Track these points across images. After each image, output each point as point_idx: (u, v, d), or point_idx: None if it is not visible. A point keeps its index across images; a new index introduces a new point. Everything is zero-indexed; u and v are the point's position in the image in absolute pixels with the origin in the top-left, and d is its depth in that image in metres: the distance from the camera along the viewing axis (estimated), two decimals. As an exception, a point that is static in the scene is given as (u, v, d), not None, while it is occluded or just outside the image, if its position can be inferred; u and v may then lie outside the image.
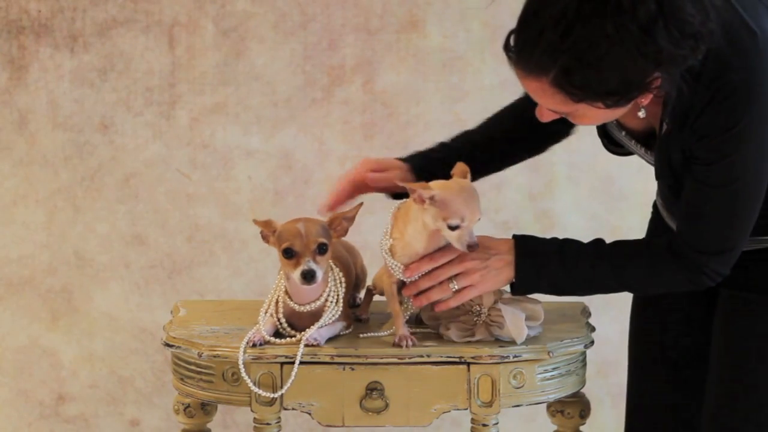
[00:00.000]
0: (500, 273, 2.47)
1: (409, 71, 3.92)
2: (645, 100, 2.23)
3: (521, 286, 2.48)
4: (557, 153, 3.88)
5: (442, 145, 2.68)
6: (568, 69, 2.14)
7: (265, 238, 2.52)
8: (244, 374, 2.48)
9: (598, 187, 3.95)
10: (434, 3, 3.88)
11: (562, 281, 2.46)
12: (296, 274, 2.44)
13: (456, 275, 2.47)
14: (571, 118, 2.28)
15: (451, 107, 3.93)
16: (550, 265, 2.45)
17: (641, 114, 2.29)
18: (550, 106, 2.26)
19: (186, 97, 3.92)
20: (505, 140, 2.66)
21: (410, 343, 2.49)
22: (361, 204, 2.56)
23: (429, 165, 2.62)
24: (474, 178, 2.52)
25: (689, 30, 2.13)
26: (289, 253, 2.46)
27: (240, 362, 2.47)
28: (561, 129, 2.62)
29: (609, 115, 2.27)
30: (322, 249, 2.46)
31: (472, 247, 2.43)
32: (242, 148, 3.93)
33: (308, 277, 2.43)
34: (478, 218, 2.44)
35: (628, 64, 2.13)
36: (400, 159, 2.66)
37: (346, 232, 2.53)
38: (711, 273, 2.38)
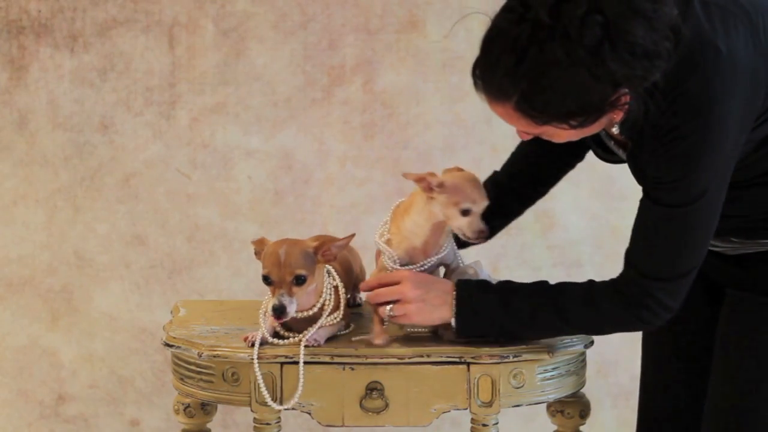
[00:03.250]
0: (436, 309, 2.47)
1: (409, 71, 3.92)
2: (617, 116, 2.25)
3: (463, 328, 2.47)
4: (557, 153, 3.91)
5: None
6: (528, 94, 2.17)
7: (258, 255, 2.53)
8: (259, 377, 2.48)
9: (598, 187, 3.96)
10: (434, 3, 3.88)
11: (506, 322, 2.44)
12: (269, 306, 2.45)
13: (395, 300, 2.49)
14: (545, 137, 2.31)
15: (451, 107, 3.93)
16: (490, 306, 2.44)
17: (615, 130, 2.30)
18: (519, 128, 2.29)
19: (186, 97, 3.92)
20: (523, 182, 2.72)
21: (384, 343, 2.50)
22: (353, 235, 2.56)
23: None
24: (502, 225, 2.67)
25: (640, 51, 2.13)
26: (266, 281, 2.46)
27: (255, 365, 2.48)
28: (572, 161, 2.72)
29: (582, 132, 2.28)
30: (299, 281, 2.45)
31: (482, 233, 2.46)
32: (242, 148, 3.93)
33: (277, 312, 2.43)
34: (485, 204, 2.48)
35: (584, 86, 2.15)
36: None
37: (334, 258, 2.52)
38: (655, 306, 2.35)
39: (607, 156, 2.54)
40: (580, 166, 3.92)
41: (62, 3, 3.89)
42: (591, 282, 2.43)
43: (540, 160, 2.70)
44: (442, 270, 2.61)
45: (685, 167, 2.25)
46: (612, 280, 2.39)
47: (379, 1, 3.89)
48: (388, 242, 2.54)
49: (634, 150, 2.34)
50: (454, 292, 2.46)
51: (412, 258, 2.54)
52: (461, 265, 2.60)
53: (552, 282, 2.47)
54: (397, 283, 2.49)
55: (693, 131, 2.22)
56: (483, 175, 3.91)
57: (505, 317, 2.44)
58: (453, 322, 2.47)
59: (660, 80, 2.19)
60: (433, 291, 2.47)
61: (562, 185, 3.97)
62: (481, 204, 2.48)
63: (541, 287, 2.45)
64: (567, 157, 2.71)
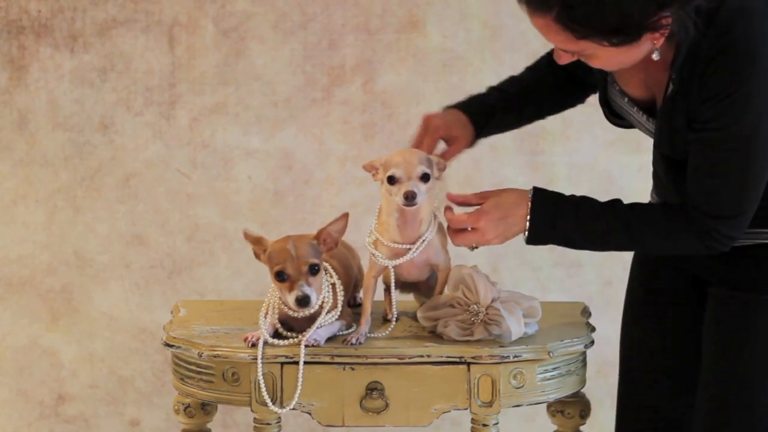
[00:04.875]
0: (515, 235, 2.50)
1: (409, 71, 3.92)
2: (657, 42, 2.27)
3: (534, 239, 2.49)
4: (557, 153, 3.91)
5: (492, 89, 2.73)
6: (570, 5, 2.21)
7: (256, 255, 2.53)
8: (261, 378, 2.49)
9: (598, 187, 3.95)
10: (434, 3, 3.88)
11: (576, 236, 2.48)
12: (291, 299, 2.45)
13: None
14: (585, 59, 2.33)
15: (451, 107, 3.92)
16: (565, 221, 2.47)
17: (655, 56, 2.32)
18: (557, 43, 2.31)
19: (186, 97, 3.92)
20: (550, 84, 2.71)
21: (356, 341, 2.51)
22: (347, 214, 2.56)
23: (483, 108, 2.67)
24: (521, 123, 2.70)
25: None
26: (281, 277, 2.47)
27: (258, 365, 2.48)
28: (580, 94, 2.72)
29: (621, 56, 2.30)
30: (314, 270, 2.47)
31: (408, 194, 2.43)
32: (242, 148, 3.93)
33: (303, 303, 2.44)
34: (418, 173, 2.46)
35: (628, 1, 2.19)
36: (455, 107, 2.69)
37: (336, 244, 2.53)
38: (721, 238, 2.39)
39: (615, 119, 2.56)
40: (580, 165, 3.93)
41: (62, 3, 3.89)
42: (665, 207, 2.46)
43: (560, 82, 2.70)
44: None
45: (738, 112, 2.28)
46: (684, 210, 2.41)
47: (379, 1, 3.89)
48: (376, 242, 2.55)
49: (677, 95, 2.35)
50: (530, 206, 2.47)
51: (395, 251, 2.54)
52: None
53: (625, 202, 2.49)
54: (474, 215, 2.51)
55: (745, 80, 2.26)
56: (484, 176, 3.91)
57: (578, 233, 2.47)
58: (525, 233, 2.49)
59: (709, 22, 2.23)
60: (510, 226, 2.49)
61: (562, 185, 3.97)
62: (407, 170, 2.46)
63: (615, 208, 2.47)
64: (581, 92, 2.73)
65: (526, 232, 2.48)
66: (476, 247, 2.53)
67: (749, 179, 2.34)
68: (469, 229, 2.51)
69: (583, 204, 2.48)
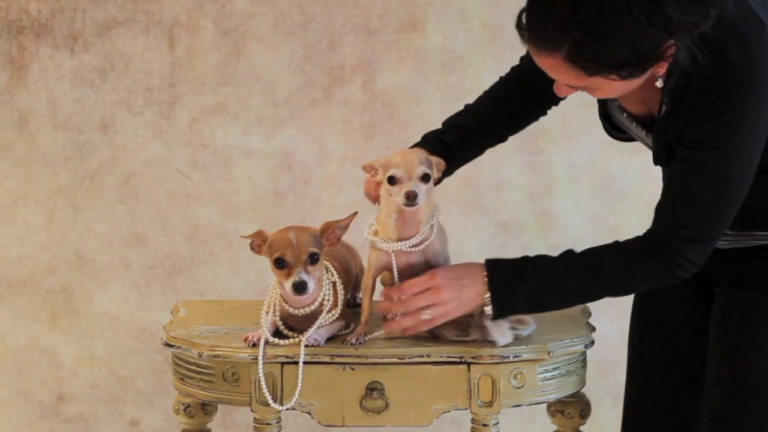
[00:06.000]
0: (472, 302, 2.46)
1: (409, 71, 3.92)
2: (661, 69, 2.25)
3: (499, 311, 2.46)
4: (557, 153, 3.91)
5: (450, 126, 2.69)
6: (580, 43, 2.16)
7: (255, 248, 2.53)
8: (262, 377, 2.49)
9: (598, 187, 3.95)
10: (434, 3, 3.88)
11: (540, 297, 2.44)
12: (288, 285, 2.45)
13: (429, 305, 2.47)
14: (589, 91, 2.30)
15: (451, 107, 3.90)
16: (525, 284, 2.43)
17: (658, 84, 2.30)
18: (565, 81, 2.27)
19: (186, 97, 3.92)
20: (509, 110, 2.69)
21: (355, 341, 2.51)
22: (356, 213, 2.57)
23: (441, 148, 2.63)
24: (478, 153, 2.67)
25: None
26: (280, 263, 2.47)
27: (259, 365, 2.48)
28: (544, 109, 2.69)
29: (625, 87, 2.27)
30: (313, 259, 2.47)
31: (410, 194, 2.43)
32: (242, 148, 3.93)
33: (299, 288, 2.44)
34: (418, 174, 2.45)
35: (639, 35, 2.15)
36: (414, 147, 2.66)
37: (338, 240, 2.54)
38: (684, 263, 2.37)
39: (615, 133, 2.55)
40: (580, 165, 3.93)
41: (62, 3, 3.89)
42: (617, 244, 2.43)
43: (517, 106, 2.68)
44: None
45: (728, 134, 2.26)
46: (642, 240, 2.39)
47: (379, 1, 3.89)
48: (375, 233, 2.56)
49: (670, 115, 2.33)
50: (486, 278, 2.44)
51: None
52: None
53: (576, 250, 2.46)
54: (426, 285, 2.47)
55: (738, 102, 2.24)
56: (484, 176, 3.91)
57: (542, 294, 2.43)
58: (489, 309, 2.45)
59: (703, 43, 2.21)
60: (465, 288, 2.46)
61: (562, 185, 3.97)
62: (408, 170, 2.46)
63: (572, 261, 2.44)
64: (543, 105, 2.71)
65: (490, 304, 2.44)
66: (429, 317, 2.47)
67: (725, 202, 2.32)
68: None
69: (537, 261, 2.45)
